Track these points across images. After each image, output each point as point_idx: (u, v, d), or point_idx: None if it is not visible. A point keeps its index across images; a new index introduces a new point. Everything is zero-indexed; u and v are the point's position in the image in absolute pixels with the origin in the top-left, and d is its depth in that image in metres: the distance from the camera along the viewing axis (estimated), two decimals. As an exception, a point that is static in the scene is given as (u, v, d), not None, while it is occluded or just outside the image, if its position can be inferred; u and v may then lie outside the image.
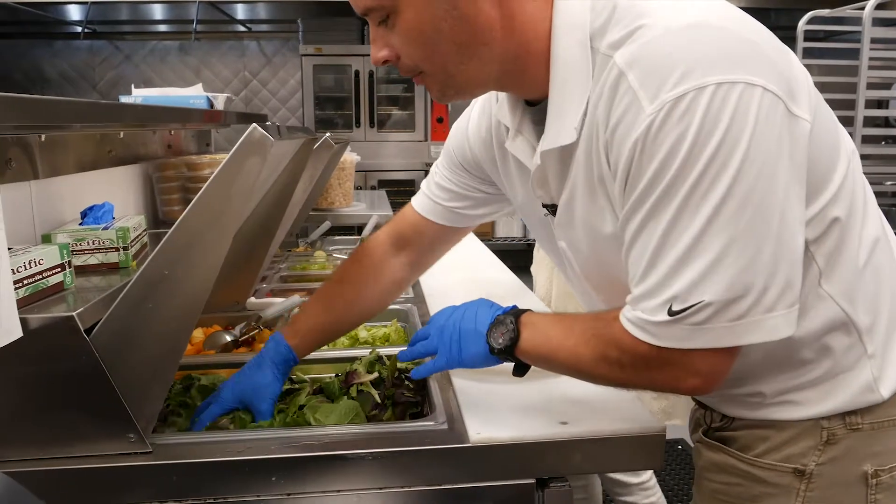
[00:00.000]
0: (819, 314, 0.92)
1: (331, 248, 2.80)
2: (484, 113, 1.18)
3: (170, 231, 0.97)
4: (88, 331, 0.98)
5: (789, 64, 0.86)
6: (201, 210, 0.96)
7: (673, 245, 0.81)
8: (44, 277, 1.06)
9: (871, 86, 3.99)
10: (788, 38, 5.16)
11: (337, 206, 3.11)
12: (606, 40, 0.87)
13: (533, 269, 2.22)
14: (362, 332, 1.68)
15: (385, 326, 1.76)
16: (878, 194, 1.05)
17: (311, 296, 1.43)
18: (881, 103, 4.79)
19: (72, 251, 1.24)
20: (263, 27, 6.61)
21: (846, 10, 4.15)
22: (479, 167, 1.23)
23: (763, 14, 5.77)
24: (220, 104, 2.77)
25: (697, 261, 0.81)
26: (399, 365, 1.28)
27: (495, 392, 1.23)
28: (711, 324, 0.82)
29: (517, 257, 6.02)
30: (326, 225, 2.91)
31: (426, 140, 5.78)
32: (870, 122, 4.07)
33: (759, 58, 0.81)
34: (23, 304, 1.00)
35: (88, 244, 1.27)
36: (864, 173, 0.99)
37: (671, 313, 0.83)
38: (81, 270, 1.25)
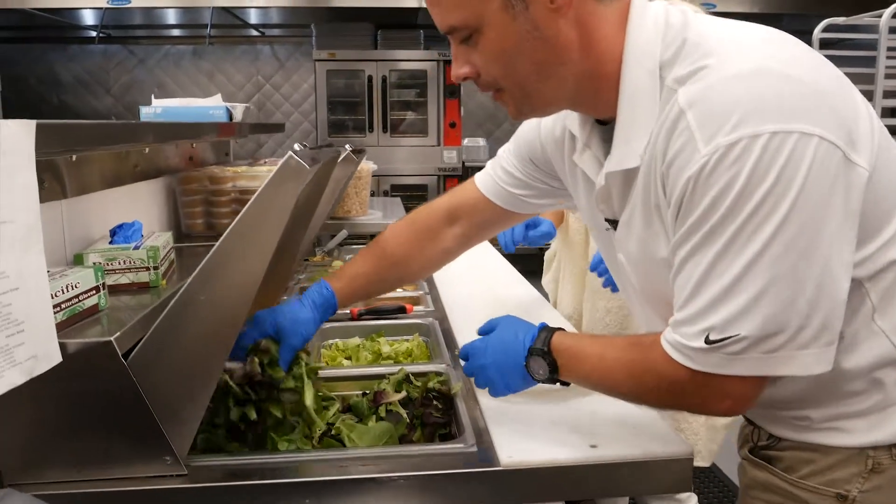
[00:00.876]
0: (871, 348, 0.93)
1: (348, 258, 2.81)
2: (559, 115, 1.20)
3: (207, 256, 0.98)
4: (125, 353, 1.00)
5: (854, 108, 0.87)
6: (238, 236, 0.98)
7: (715, 279, 0.84)
8: (80, 301, 1.08)
9: (887, 94, 3.98)
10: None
11: (353, 215, 3.12)
12: (673, 74, 0.90)
13: (545, 281, 2.20)
14: (385, 348, 1.69)
15: (407, 341, 1.77)
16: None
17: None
18: (896, 111, 4.79)
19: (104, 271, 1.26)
20: (276, 32, 6.64)
21: (863, 18, 4.13)
22: (548, 163, 1.26)
23: (775, 19, 5.76)
24: (238, 114, 2.79)
25: (737, 297, 0.83)
26: (428, 384, 1.29)
27: (522, 412, 1.24)
28: (746, 354, 0.85)
29: (526, 261, 6.05)
30: (343, 234, 2.92)
31: (439, 145, 5.78)
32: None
33: (820, 106, 0.82)
34: (61, 328, 1.01)
35: (119, 264, 1.28)
36: None
37: (708, 342, 0.86)
38: (113, 290, 1.26)
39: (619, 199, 1.02)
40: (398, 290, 2.24)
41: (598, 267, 1.58)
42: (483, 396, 1.29)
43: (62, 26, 6.15)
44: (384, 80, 5.68)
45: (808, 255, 0.81)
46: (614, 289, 1.54)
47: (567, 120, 1.13)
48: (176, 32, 6.62)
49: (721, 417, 1.72)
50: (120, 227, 1.40)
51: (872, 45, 4.00)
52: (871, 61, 3.94)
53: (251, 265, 1.00)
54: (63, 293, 1.04)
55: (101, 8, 5.16)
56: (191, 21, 6.22)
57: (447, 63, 5.65)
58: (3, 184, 0.86)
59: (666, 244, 0.94)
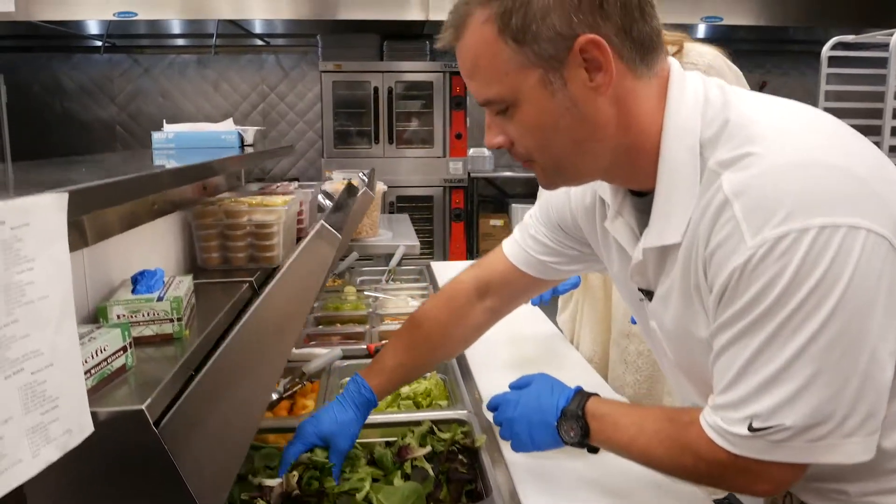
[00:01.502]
0: None
1: (359, 281, 2.81)
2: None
3: (241, 322, 0.97)
4: (157, 420, 0.99)
5: None
6: (272, 303, 0.97)
7: (759, 368, 0.84)
8: (108, 364, 1.07)
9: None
10: (811, 58, 5.13)
11: (364, 236, 3.12)
12: (716, 156, 0.89)
13: (562, 320, 2.18)
14: (404, 388, 1.68)
15: (425, 379, 1.77)
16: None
17: (391, 337, 1.50)
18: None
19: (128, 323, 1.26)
20: (281, 41, 6.63)
21: (875, 36, 4.11)
22: (577, 229, 1.25)
23: (782, 31, 5.75)
24: (249, 137, 2.79)
25: (782, 387, 0.82)
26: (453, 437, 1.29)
27: (550, 468, 1.23)
28: (790, 442, 0.85)
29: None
30: (354, 256, 2.92)
31: (445, 156, 5.78)
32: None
33: (868, 197, 0.82)
34: (90, 394, 1.01)
35: (143, 315, 1.27)
36: None
37: (751, 429, 0.85)
38: (136, 341, 1.26)
39: (654, 272, 1.01)
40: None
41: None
42: (508, 451, 1.28)
43: (67, 35, 6.14)
44: (390, 91, 5.67)
45: (854, 346, 0.80)
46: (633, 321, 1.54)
47: (598, 187, 1.12)
48: (181, 42, 6.61)
49: None
50: (142, 274, 1.39)
51: (882, 62, 3.99)
52: (879, 79, 3.93)
53: (285, 332, 1.00)
54: (92, 358, 1.03)
55: (107, 20, 5.15)
56: (196, 30, 6.22)
57: (453, 74, 5.65)
58: (37, 258, 0.86)
59: (705, 325, 0.93)
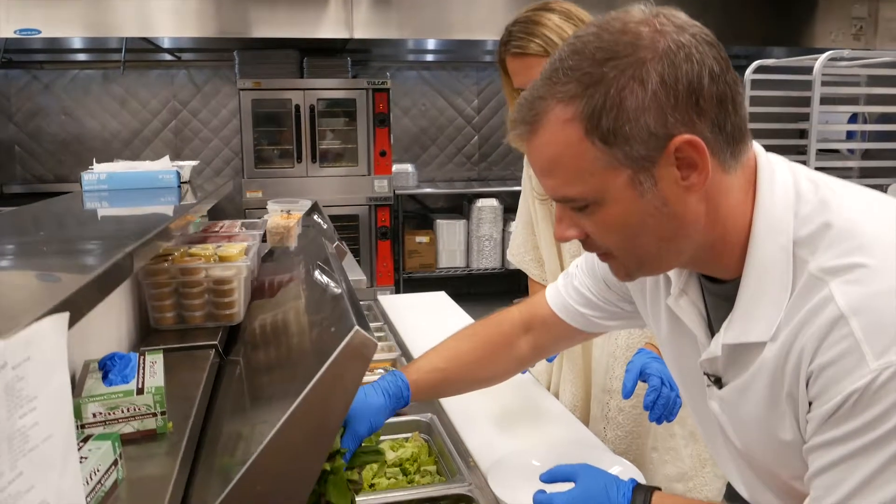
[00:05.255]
0: None
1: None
2: None
3: (258, 450, 0.87)
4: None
5: None
6: (296, 427, 0.87)
7: (874, 491, 0.81)
8: (102, 484, 0.95)
9: (821, 139, 4.11)
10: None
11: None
12: (818, 261, 0.85)
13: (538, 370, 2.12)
14: (389, 454, 1.60)
15: (407, 440, 1.69)
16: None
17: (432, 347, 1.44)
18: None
19: (105, 421, 1.13)
20: (192, 56, 6.36)
21: (803, 60, 4.22)
22: (623, 287, 1.21)
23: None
24: (186, 174, 2.63)
25: None
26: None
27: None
28: None
29: (458, 285, 6.04)
30: None
31: (369, 174, 5.66)
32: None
33: None
34: (86, 526, 0.89)
35: (122, 412, 1.15)
36: None
37: None
38: (116, 441, 1.13)
39: (726, 364, 0.98)
40: (380, 370, 2.15)
41: (631, 391, 1.53)
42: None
43: (-44, 51, 5.72)
44: (312, 108, 5.52)
45: None
46: (626, 397, 1.51)
47: None
48: (83, 56, 6.24)
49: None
50: (111, 359, 1.26)
51: (804, 85, 4.09)
52: (804, 101, 4.05)
53: (309, 457, 0.90)
54: (87, 483, 0.91)
55: (2, 37, 4.81)
56: (99, 45, 5.89)
57: (376, 91, 5.54)
58: (39, 396, 0.74)
59: (793, 431, 0.91)
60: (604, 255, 0.97)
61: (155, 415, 1.16)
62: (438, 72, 6.65)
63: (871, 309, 0.80)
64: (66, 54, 6.13)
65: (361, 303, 2.95)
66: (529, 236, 1.98)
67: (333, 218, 5.52)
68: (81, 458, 0.93)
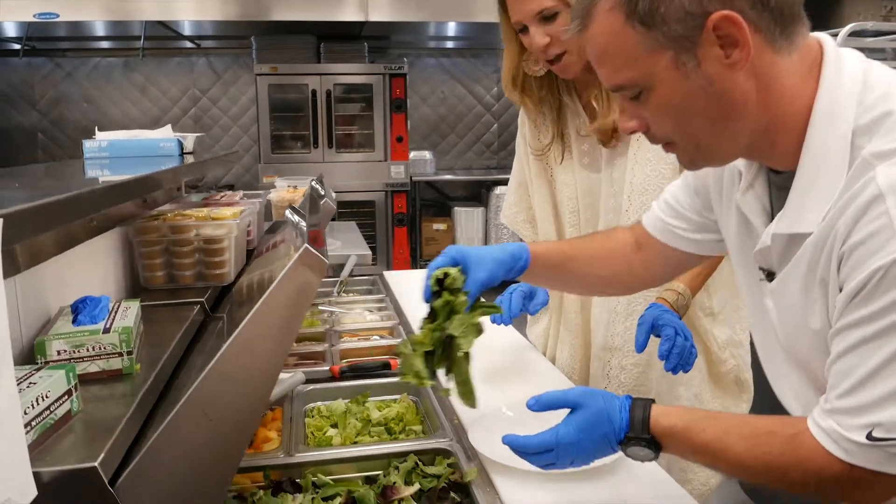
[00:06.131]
0: None
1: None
2: None
3: (211, 364, 0.85)
4: (112, 478, 0.86)
5: None
6: (246, 342, 0.84)
7: (889, 376, 0.79)
8: (52, 412, 0.93)
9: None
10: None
11: (312, 246, 2.97)
12: (872, 146, 0.83)
13: (534, 335, 2.07)
14: (374, 413, 1.57)
15: (395, 401, 1.65)
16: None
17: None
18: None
19: (70, 359, 1.11)
20: (212, 43, 6.39)
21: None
22: (706, 190, 1.19)
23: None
24: (189, 144, 2.62)
25: None
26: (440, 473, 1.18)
27: (547, 501, 1.14)
28: None
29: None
30: (353, 259, 2.78)
31: (386, 160, 5.64)
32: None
33: None
34: (32, 450, 0.86)
35: (87, 350, 1.13)
36: None
37: (871, 438, 0.81)
38: (81, 379, 1.11)
39: (778, 256, 0.96)
40: (376, 337, 2.12)
41: (644, 344, 1.50)
42: (503, 484, 1.18)
43: (-19, 38, 5.80)
44: (328, 94, 5.52)
45: None
46: (639, 350, 1.48)
47: None
48: (105, 44, 6.30)
49: None
50: (83, 302, 1.24)
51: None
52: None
53: (262, 372, 0.87)
54: (33, 408, 0.89)
55: (25, 22, 4.86)
56: (121, 32, 5.93)
57: (392, 76, 5.52)
58: (-34, 300, 0.72)
59: (822, 317, 0.89)
60: (667, 146, 0.98)
61: (121, 354, 1.14)
62: (457, 59, 6.60)
63: None
64: (87, 42, 6.19)
65: (365, 277, 2.93)
66: (523, 196, 1.94)
67: (350, 203, 5.54)
68: (30, 382, 0.91)
